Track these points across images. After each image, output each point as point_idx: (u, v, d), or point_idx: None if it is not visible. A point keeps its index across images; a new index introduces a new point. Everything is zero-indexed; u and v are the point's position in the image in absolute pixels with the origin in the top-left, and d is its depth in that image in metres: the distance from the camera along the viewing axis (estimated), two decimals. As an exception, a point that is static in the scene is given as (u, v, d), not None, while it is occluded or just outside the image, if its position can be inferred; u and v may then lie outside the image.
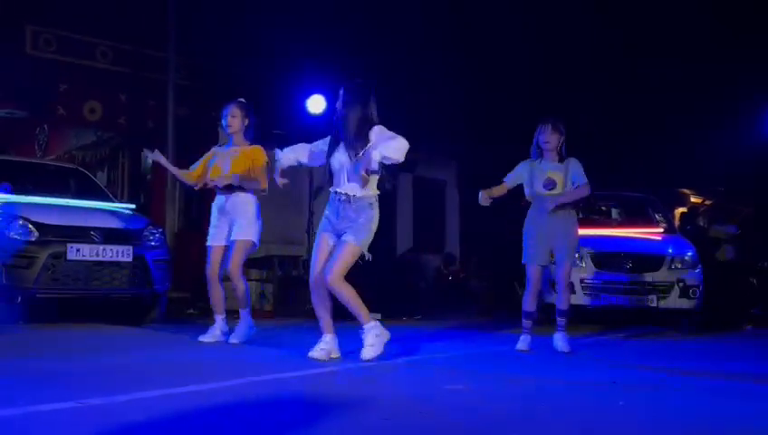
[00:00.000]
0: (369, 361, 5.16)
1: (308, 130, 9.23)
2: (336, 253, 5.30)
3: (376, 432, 3.16)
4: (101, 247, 7.21)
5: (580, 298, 8.49)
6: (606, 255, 8.74)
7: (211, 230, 6.38)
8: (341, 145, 5.39)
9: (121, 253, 7.29)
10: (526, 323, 6.45)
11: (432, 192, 15.10)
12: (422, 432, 3.22)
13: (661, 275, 8.61)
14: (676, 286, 8.57)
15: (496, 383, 4.71)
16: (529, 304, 6.44)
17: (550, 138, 6.32)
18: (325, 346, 5.33)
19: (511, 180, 6.49)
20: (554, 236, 6.32)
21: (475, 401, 4.04)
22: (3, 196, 7.33)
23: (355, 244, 5.28)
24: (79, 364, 4.80)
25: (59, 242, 7.03)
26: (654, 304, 8.56)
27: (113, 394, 3.66)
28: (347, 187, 5.34)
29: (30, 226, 6.99)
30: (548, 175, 6.34)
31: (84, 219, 7.37)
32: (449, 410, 3.69)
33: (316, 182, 9.87)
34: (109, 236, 7.31)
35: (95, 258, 7.16)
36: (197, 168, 6.55)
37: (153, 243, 7.64)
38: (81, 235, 7.20)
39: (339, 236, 5.36)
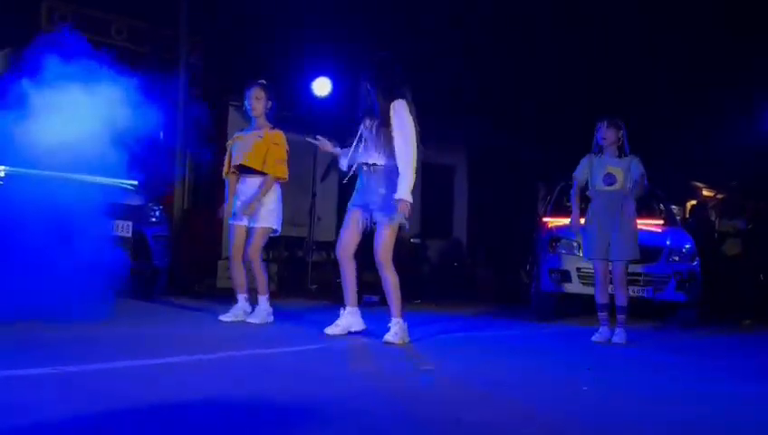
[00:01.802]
0: (390, 344, 5.27)
1: (314, 112, 9.32)
2: (376, 236, 5.44)
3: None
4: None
5: (576, 287, 8.51)
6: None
7: (234, 209, 6.42)
8: (367, 118, 5.53)
9: (121, 228, 7.41)
10: (602, 315, 6.69)
11: (440, 178, 15.13)
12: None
13: (658, 267, 8.60)
14: (673, 279, 8.57)
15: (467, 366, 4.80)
16: (600, 295, 6.68)
17: (606, 133, 6.57)
18: (342, 321, 5.55)
19: (581, 174, 6.71)
20: (612, 230, 6.49)
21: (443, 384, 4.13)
22: (5, 168, 7.45)
23: (390, 223, 5.39)
24: (63, 334, 4.91)
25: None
26: (650, 296, 8.56)
27: (94, 362, 3.78)
28: (368, 156, 5.49)
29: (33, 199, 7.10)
30: (608, 170, 6.56)
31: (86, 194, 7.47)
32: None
33: (319, 166, 9.96)
34: (108, 211, 7.41)
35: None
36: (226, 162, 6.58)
37: (153, 219, 7.77)
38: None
39: (366, 209, 5.50)
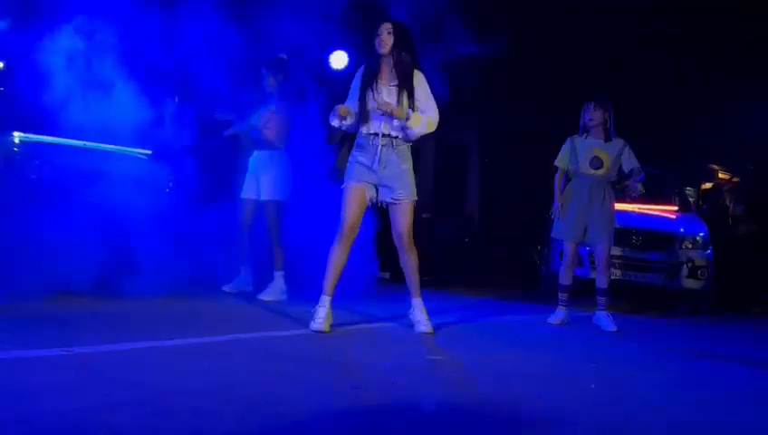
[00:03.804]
0: (429, 334, 5.03)
1: (330, 86, 9.22)
2: (398, 214, 5.02)
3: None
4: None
5: (587, 271, 8.49)
6: (616, 230, 8.63)
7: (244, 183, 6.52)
8: (380, 85, 5.01)
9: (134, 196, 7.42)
10: (563, 296, 6.54)
11: (454, 156, 15.06)
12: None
13: (670, 254, 8.57)
14: (684, 266, 8.53)
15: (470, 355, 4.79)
16: (565, 277, 6.54)
17: (593, 114, 6.40)
18: (323, 312, 4.90)
19: (563, 162, 6.53)
20: (591, 214, 6.35)
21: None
22: (21, 134, 7.46)
23: (414, 198, 5.03)
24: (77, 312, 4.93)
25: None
26: (662, 283, 8.54)
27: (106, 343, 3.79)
28: (389, 128, 4.98)
29: (46, 166, 7.13)
30: (595, 153, 6.40)
31: (99, 163, 7.48)
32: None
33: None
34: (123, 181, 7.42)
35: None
36: None
37: (167, 190, 7.76)
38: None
39: (379, 186, 5.01)
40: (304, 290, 5.85)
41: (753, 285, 10.29)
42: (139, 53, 6.79)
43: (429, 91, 5.08)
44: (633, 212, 9.14)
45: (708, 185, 14.76)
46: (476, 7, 7.52)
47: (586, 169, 6.36)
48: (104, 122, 7.19)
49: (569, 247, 6.48)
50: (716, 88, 14.03)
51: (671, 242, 8.67)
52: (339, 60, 10.11)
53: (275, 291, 6.27)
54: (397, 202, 5.01)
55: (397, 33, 5.00)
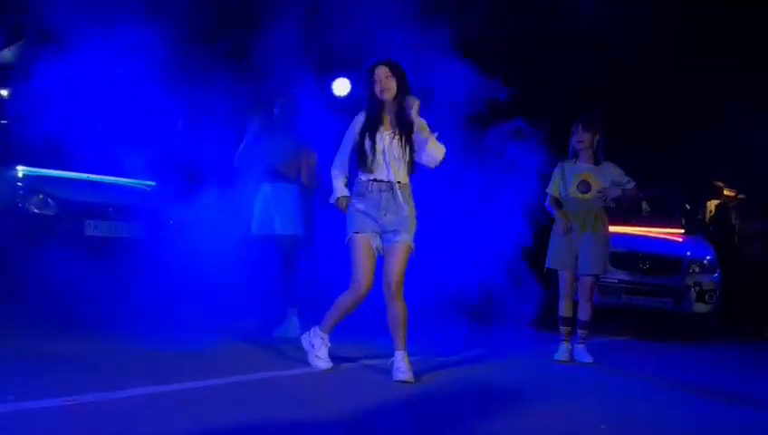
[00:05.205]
0: (407, 382, 4.68)
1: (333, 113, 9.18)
2: (394, 258, 4.76)
3: None
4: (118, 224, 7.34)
5: (594, 297, 8.40)
6: (623, 254, 8.60)
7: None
8: (381, 127, 4.88)
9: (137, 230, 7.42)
10: (564, 329, 6.33)
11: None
12: None
13: (678, 278, 8.51)
14: (692, 290, 8.47)
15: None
16: (564, 309, 6.33)
17: (582, 136, 6.25)
18: (326, 351, 4.95)
19: (553, 189, 6.42)
20: (583, 240, 6.20)
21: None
22: (24, 168, 7.46)
23: (411, 242, 4.78)
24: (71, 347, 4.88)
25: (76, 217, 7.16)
26: (670, 308, 8.47)
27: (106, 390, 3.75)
28: (392, 173, 4.83)
29: (50, 200, 7.13)
30: (583, 176, 6.25)
31: (102, 196, 7.49)
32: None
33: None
34: (126, 213, 7.43)
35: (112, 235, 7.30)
36: None
37: (171, 221, 7.74)
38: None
39: (382, 233, 4.82)
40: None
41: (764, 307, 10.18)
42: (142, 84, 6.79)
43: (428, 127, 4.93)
44: (640, 236, 9.09)
45: (714, 203, 14.69)
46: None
47: (574, 193, 6.26)
48: (108, 154, 7.20)
49: (564, 275, 6.29)
50: (719, 106, 14.00)
51: (678, 266, 8.61)
52: (341, 87, 10.11)
53: (289, 327, 6.17)
54: (395, 245, 4.79)
55: (396, 74, 4.86)
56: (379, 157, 4.82)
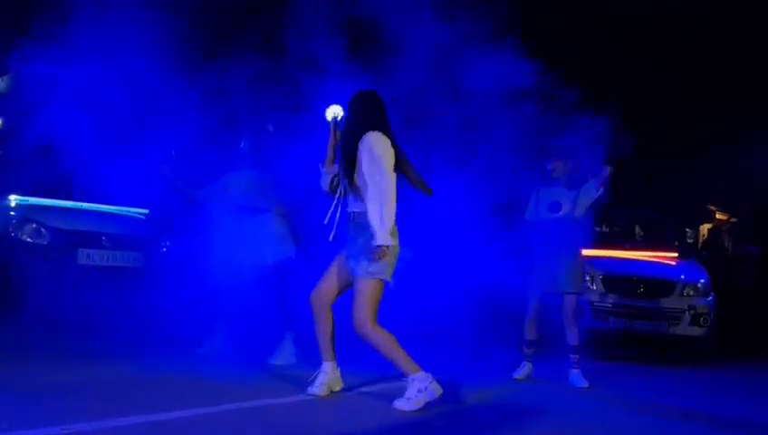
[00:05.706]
0: (403, 411, 4.51)
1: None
2: (355, 293, 4.65)
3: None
4: (111, 253, 7.32)
5: (588, 322, 8.41)
6: (617, 278, 8.63)
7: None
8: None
9: (131, 258, 7.40)
10: (528, 351, 6.38)
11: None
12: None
13: (672, 302, 8.51)
14: (687, 313, 8.48)
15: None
16: (529, 331, 6.35)
17: (554, 165, 6.35)
18: (324, 379, 4.81)
19: (530, 215, 6.48)
20: (558, 259, 6.21)
21: None
22: (17, 197, 7.44)
23: (368, 278, 4.58)
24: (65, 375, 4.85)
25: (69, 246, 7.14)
26: (663, 331, 8.47)
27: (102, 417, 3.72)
28: (349, 204, 4.76)
29: (42, 229, 7.11)
30: (555, 197, 6.33)
31: (95, 224, 7.47)
32: None
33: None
34: (119, 242, 7.41)
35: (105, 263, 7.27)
36: None
37: (164, 249, 7.74)
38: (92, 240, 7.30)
39: (351, 261, 4.71)
40: (316, 350, 5.64)
41: (758, 329, 10.19)
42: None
43: (373, 155, 4.60)
44: (633, 259, 9.10)
45: (707, 226, 14.74)
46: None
47: (544, 213, 6.32)
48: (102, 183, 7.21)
49: (534, 300, 6.31)
50: (715, 130, 14.11)
51: (672, 289, 8.61)
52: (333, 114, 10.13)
53: (285, 354, 6.12)
54: (355, 279, 4.67)
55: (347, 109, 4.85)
56: (344, 190, 4.83)
